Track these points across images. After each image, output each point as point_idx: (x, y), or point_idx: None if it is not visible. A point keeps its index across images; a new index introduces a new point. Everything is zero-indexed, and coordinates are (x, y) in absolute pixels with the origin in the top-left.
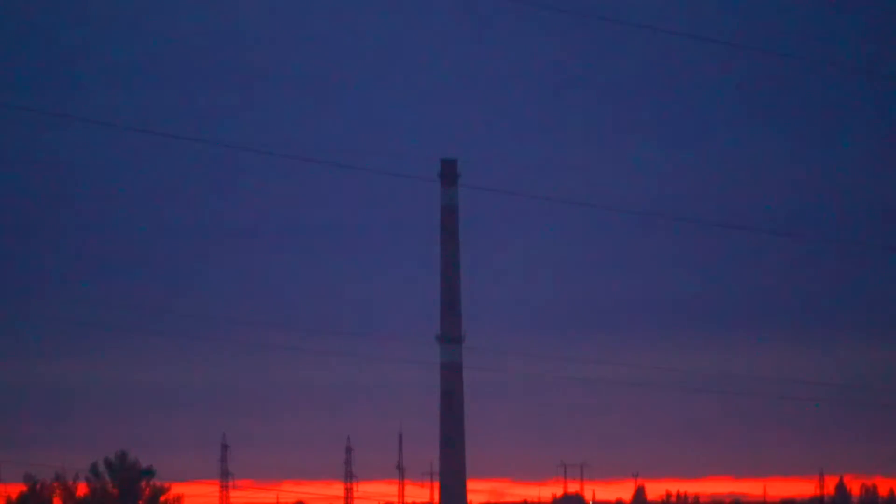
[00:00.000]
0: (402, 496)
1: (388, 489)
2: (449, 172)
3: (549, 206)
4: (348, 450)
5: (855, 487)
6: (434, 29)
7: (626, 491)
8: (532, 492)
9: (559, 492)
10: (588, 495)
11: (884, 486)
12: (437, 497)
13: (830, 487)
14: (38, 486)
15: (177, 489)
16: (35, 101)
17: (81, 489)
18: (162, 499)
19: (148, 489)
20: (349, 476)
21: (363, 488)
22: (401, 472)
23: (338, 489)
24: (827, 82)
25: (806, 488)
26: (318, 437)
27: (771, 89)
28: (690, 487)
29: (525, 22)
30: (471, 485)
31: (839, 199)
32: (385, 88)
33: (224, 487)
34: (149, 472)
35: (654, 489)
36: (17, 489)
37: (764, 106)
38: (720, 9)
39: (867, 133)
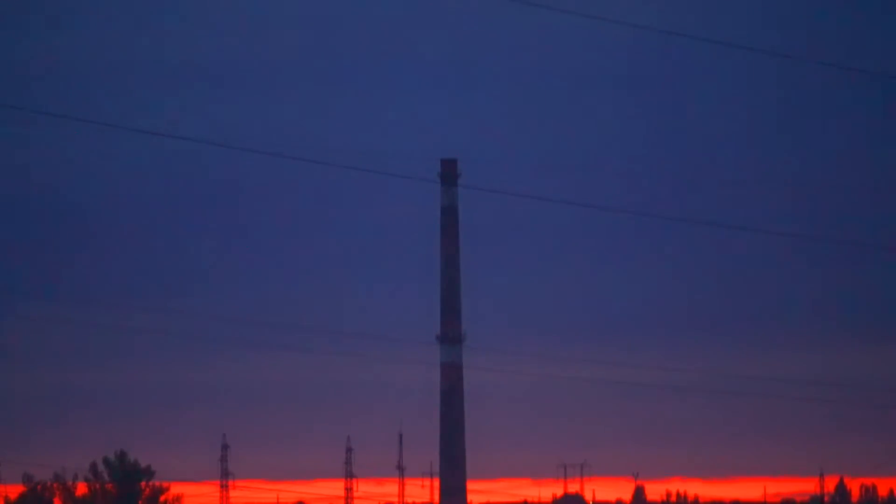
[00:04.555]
0: (402, 496)
1: (388, 489)
2: (449, 172)
3: (549, 206)
4: (348, 450)
5: (855, 487)
6: (434, 29)
7: (626, 491)
8: (532, 492)
9: (559, 492)
10: (588, 495)
11: (884, 486)
12: (437, 497)
13: (830, 487)
14: (38, 487)
15: (177, 489)
16: (35, 101)
17: (81, 489)
18: (161, 499)
19: (147, 489)
20: (349, 476)
21: (363, 488)
22: (401, 472)
23: (338, 489)
24: (827, 82)
25: (806, 488)
26: (318, 437)
27: (770, 89)
28: (690, 487)
29: (525, 22)
30: (471, 485)
31: (839, 199)
32: (385, 88)
33: (224, 487)
34: (148, 472)
35: (654, 489)
36: (16, 490)
37: (764, 106)
38: (722, 10)
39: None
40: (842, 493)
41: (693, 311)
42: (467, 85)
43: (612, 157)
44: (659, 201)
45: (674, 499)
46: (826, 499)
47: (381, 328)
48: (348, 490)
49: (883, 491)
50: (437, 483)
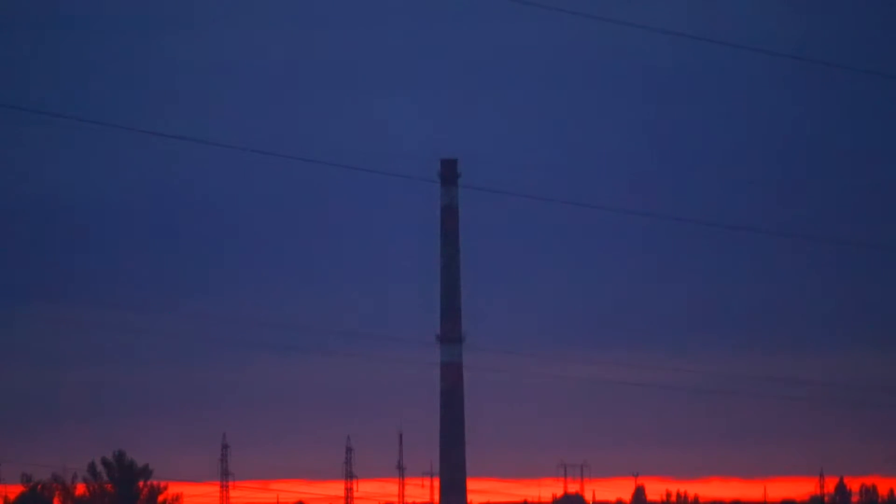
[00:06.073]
0: (402, 496)
1: (388, 489)
2: (449, 172)
3: (549, 206)
4: (348, 450)
5: (855, 487)
6: (434, 28)
7: (626, 491)
8: (532, 492)
9: (559, 492)
10: (588, 495)
11: (884, 486)
12: (437, 497)
13: (830, 487)
14: (37, 487)
15: (176, 489)
16: (35, 101)
17: (80, 489)
18: (160, 498)
19: (145, 489)
20: (349, 476)
21: (363, 488)
22: (401, 472)
23: (338, 489)
24: (826, 82)
25: (806, 488)
26: (318, 437)
27: (770, 89)
28: (690, 488)
29: (526, 22)
30: (471, 484)
31: (839, 199)
32: (385, 88)
33: (224, 487)
34: (145, 472)
35: (654, 489)
36: (15, 490)
37: (764, 106)
38: (725, 10)
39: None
40: (842, 493)
41: (693, 311)
42: (467, 85)
43: (613, 157)
44: (659, 201)
45: (674, 499)
46: (826, 499)
47: (381, 328)
48: (348, 490)
49: (883, 491)
50: (437, 483)
